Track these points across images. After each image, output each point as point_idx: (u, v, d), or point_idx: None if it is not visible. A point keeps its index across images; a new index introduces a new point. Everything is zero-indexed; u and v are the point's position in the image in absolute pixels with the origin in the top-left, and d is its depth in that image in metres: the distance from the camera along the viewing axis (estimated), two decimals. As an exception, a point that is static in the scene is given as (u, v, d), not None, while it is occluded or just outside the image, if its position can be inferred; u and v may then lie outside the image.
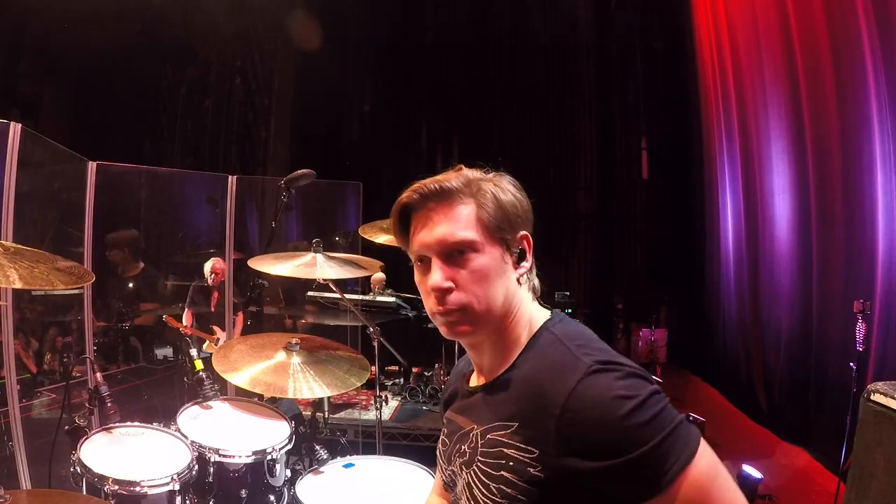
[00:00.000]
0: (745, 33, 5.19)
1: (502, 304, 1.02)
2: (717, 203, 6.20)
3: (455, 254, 1.00)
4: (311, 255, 2.53)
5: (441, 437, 1.21)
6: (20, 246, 1.74)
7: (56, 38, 5.96)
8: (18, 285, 1.55)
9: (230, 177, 4.69)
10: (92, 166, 3.91)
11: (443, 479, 1.19)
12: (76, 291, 4.10)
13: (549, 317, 1.08)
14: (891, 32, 3.21)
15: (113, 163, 4.16)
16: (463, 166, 1.07)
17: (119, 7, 5.85)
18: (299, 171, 2.75)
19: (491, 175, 1.07)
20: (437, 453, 1.21)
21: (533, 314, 1.07)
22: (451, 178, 1.02)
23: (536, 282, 1.10)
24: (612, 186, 8.25)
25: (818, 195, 4.09)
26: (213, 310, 4.75)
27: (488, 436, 1.00)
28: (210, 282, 4.66)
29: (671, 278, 7.59)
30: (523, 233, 1.04)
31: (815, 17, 3.94)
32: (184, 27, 6.84)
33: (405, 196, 1.03)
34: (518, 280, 1.05)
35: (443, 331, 1.05)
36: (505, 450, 0.95)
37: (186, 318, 4.62)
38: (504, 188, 1.04)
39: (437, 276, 1.00)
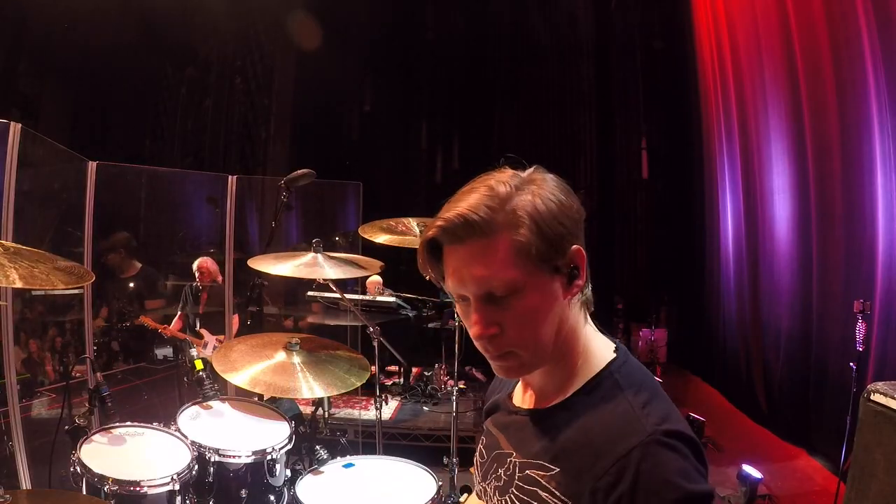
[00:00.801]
0: (745, 33, 5.19)
1: (555, 337, 0.92)
2: (717, 203, 6.21)
3: (497, 296, 0.88)
4: (311, 255, 2.53)
5: (479, 446, 1.13)
6: (20, 246, 1.74)
7: (56, 38, 5.97)
8: (18, 285, 1.55)
9: (230, 177, 4.69)
10: (92, 166, 3.91)
11: (476, 490, 1.14)
12: (76, 291, 4.10)
13: (612, 356, 0.96)
14: (891, 32, 3.21)
15: (113, 163, 4.16)
16: (492, 177, 0.90)
17: (119, 7, 5.85)
18: (299, 171, 2.75)
19: (528, 176, 0.90)
20: (475, 463, 1.14)
21: (590, 342, 0.97)
22: (480, 206, 0.86)
23: (589, 291, 0.96)
24: (612, 186, 8.26)
25: (818, 195, 4.09)
26: (200, 311, 4.69)
27: (527, 471, 0.94)
28: (199, 282, 4.61)
29: (671, 278, 7.59)
30: (575, 247, 0.89)
31: (815, 17, 3.94)
32: (184, 27, 6.84)
33: (431, 231, 0.90)
34: (572, 300, 0.92)
35: (496, 372, 0.97)
36: (540, 491, 0.90)
37: (175, 322, 4.57)
38: (545, 197, 0.87)
39: (479, 324, 0.89)
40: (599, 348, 0.97)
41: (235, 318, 4.61)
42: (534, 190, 0.88)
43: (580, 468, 0.85)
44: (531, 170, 0.92)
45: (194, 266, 4.64)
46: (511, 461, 0.98)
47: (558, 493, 0.87)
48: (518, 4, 8.36)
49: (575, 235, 0.89)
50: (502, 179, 0.89)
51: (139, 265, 4.87)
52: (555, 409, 0.94)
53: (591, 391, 0.92)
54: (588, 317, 0.98)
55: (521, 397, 1.06)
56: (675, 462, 0.80)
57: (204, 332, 4.61)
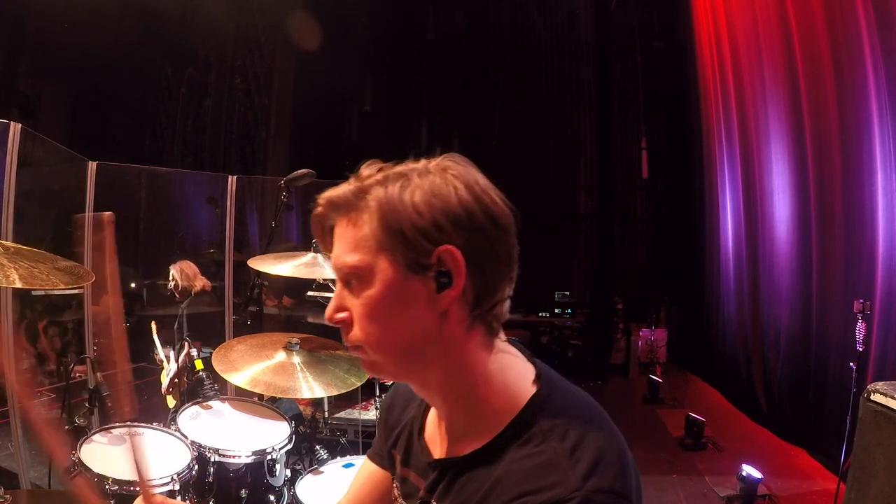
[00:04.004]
0: (745, 33, 5.19)
1: (410, 345, 0.81)
2: (717, 203, 6.21)
3: (350, 281, 0.82)
4: (311, 254, 2.53)
5: (396, 496, 1.01)
6: (20, 246, 1.74)
7: (56, 38, 5.97)
8: (18, 285, 1.55)
9: (230, 177, 4.68)
10: (92, 166, 3.91)
11: None
12: (76, 291, 4.09)
13: (533, 389, 0.84)
14: (891, 32, 3.21)
15: (113, 163, 4.15)
16: (404, 164, 0.84)
17: (119, 7, 5.85)
18: (299, 171, 2.75)
19: (424, 166, 0.82)
20: None
21: (505, 372, 0.85)
22: (346, 190, 0.82)
23: (500, 311, 0.84)
24: (612, 186, 8.26)
25: (818, 195, 4.10)
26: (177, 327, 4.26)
27: None
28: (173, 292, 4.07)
29: (671, 278, 7.60)
30: (443, 247, 0.76)
31: (815, 17, 3.94)
32: (184, 27, 6.84)
33: (315, 209, 0.86)
34: (448, 313, 0.80)
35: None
36: None
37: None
38: (416, 188, 0.78)
39: (330, 305, 0.84)
40: (516, 381, 0.85)
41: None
42: (408, 180, 0.79)
43: None
44: (439, 159, 0.83)
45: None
46: None
47: None
48: (518, 4, 8.37)
49: (449, 237, 0.77)
50: (382, 167, 0.84)
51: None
52: (471, 457, 0.84)
53: (510, 437, 0.81)
54: (499, 340, 0.86)
55: (434, 437, 0.95)
56: None
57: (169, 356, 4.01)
